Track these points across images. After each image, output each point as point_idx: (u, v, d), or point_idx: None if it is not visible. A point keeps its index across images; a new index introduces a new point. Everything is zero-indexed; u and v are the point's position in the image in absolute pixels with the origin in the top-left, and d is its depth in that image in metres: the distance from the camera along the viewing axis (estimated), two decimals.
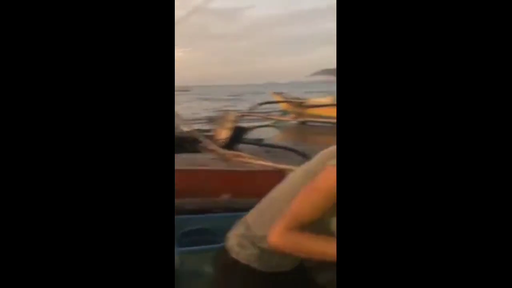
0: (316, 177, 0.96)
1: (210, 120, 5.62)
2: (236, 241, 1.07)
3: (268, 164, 2.78)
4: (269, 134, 9.96)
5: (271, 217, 1.01)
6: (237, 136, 4.44)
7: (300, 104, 13.46)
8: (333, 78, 12.50)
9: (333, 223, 0.98)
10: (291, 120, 12.61)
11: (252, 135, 7.49)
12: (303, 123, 12.24)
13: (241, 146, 4.93)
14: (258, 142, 5.76)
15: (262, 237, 1.01)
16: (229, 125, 4.42)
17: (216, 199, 2.27)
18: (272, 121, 12.40)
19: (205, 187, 2.39)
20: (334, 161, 0.92)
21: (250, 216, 1.10)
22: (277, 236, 0.95)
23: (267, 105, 14.60)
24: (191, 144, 4.23)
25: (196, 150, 4.07)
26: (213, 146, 4.07)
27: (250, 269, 1.03)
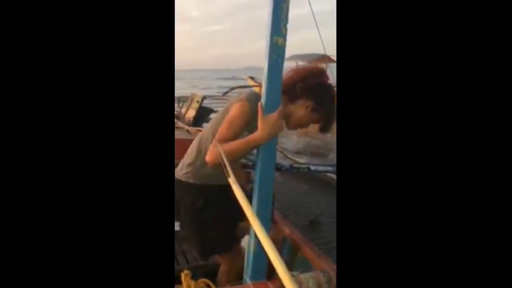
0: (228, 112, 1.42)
1: (179, 100, 6.08)
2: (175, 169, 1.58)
3: None
4: None
5: (197, 147, 1.50)
6: (202, 115, 4.98)
7: None
8: (301, 63, 13.06)
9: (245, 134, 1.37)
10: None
11: None
12: None
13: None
14: None
15: (191, 163, 1.51)
16: (195, 105, 4.97)
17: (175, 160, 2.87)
18: None
19: None
20: (240, 97, 1.38)
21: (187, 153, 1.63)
22: (209, 154, 1.35)
23: (244, 89, 14.99)
24: None
25: None
26: (181, 124, 4.65)
27: (186, 183, 1.52)
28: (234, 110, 1.40)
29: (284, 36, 1.19)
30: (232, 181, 1.22)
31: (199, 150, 1.50)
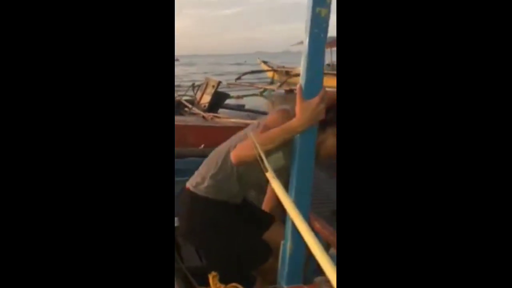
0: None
1: (194, 86, 5.95)
2: (194, 181, 1.44)
3: (238, 121, 3.26)
4: (258, 103, 10.25)
5: (217, 157, 1.40)
6: (217, 101, 4.84)
7: (286, 73, 13.89)
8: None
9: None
10: (276, 89, 12.82)
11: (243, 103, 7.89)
12: (290, 91, 12.49)
13: (225, 111, 5.33)
14: (240, 108, 6.20)
15: (213, 174, 1.38)
16: (210, 90, 4.82)
17: (193, 148, 2.74)
18: (260, 90, 12.81)
19: (186, 139, 2.86)
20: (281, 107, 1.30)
21: (203, 164, 1.49)
22: (236, 149, 1.25)
23: (257, 74, 14.88)
24: (177, 109, 4.69)
25: (180, 114, 4.53)
26: (196, 110, 4.52)
27: (205, 198, 1.41)
28: (272, 115, 1.29)
29: (328, 6, 1.02)
30: (270, 176, 1.08)
31: (218, 161, 1.40)
